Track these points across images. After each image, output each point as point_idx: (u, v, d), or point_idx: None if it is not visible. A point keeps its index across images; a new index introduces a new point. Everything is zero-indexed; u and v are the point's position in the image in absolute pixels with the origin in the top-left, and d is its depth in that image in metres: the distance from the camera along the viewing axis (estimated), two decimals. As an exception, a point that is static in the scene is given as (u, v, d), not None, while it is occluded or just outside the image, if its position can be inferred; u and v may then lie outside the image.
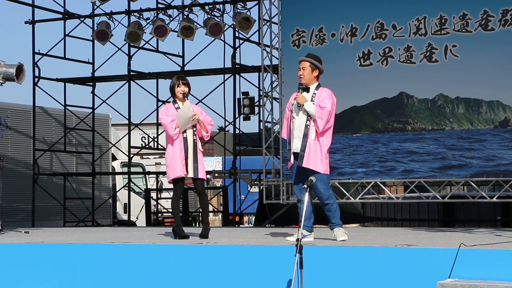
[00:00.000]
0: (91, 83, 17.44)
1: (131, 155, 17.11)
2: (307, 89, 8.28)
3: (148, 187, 19.49)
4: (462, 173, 11.96)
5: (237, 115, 15.64)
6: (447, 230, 10.63)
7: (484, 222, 16.00)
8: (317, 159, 8.12)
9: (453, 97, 12.29)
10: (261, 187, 13.98)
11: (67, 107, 17.14)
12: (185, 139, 8.89)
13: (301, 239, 6.41)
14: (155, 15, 15.86)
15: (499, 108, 11.94)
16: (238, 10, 15.04)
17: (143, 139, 20.19)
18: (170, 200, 19.57)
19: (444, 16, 12.08)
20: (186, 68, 16.95)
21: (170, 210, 19.37)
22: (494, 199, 12.05)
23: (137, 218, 18.60)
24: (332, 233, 8.25)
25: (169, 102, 9.25)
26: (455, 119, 12.29)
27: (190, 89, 9.06)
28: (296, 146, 8.22)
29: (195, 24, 15.27)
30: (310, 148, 8.13)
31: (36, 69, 16.64)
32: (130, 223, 17.53)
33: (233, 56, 15.51)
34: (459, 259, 6.49)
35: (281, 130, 8.68)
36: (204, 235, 8.85)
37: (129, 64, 16.62)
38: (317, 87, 8.26)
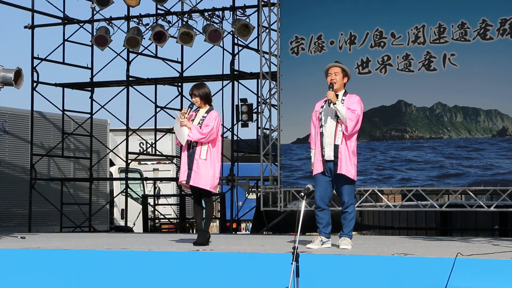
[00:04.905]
0: (90, 88, 17.43)
1: (129, 161, 17.10)
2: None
3: (146, 193, 19.45)
4: (460, 182, 11.94)
5: (235, 122, 15.64)
6: (445, 239, 10.61)
7: (481, 231, 15.98)
8: (348, 165, 8.09)
9: (451, 105, 12.28)
10: (259, 194, 13.95)
11: (65, 112, 17.12)
12: (189, 146, 8.95)
13: (297, 248, 6.39)
14: (155, 21, 15.88)
15: (497, 117, 11.93)
16: (237, 17, 15.05)
17: (141, 144, 20.15)
18: (167, 206, 19.75)
19: (443, 24, 12.08)
20: (184, 74, 16.96)
21: (167, 217, 19.56)
22: (492, 209, 12.03)
23: (134, 224, 18.57)
24: (338, 240, 8.23)
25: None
26: (453, 128, 12.28)
27: (202, 97, 8.95)
28: (328, 154, 8.15)
29: (194, 30, 15.27)
30: (341, 154, 8.10)
31: (35, 74, 16.63)
32: (127, 229, 17.50)
33: (232, 63, 15.51)
34: (456, 269, 6.47)
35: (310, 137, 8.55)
36: (198, 242, 8.78)
37: (127, 70, 16.63)
38: (345, 94, 8.28)
